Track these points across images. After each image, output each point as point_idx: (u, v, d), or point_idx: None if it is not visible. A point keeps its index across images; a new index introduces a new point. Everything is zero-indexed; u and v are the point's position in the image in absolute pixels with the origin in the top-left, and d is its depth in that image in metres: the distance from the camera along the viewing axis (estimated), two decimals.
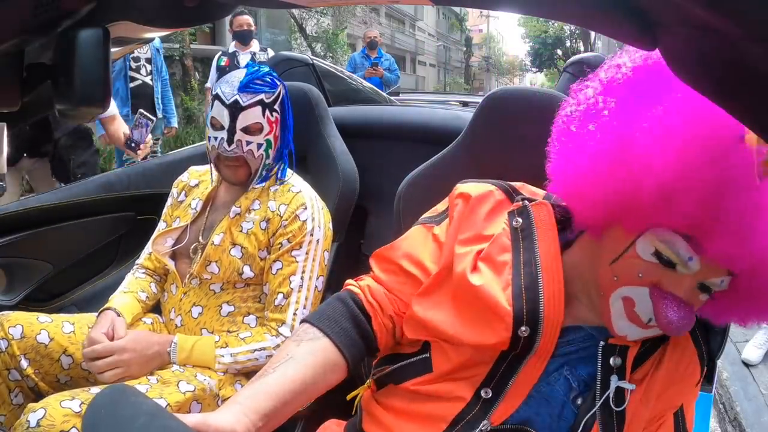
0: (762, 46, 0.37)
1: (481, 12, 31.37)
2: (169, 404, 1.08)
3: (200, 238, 1.36)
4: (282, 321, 1.25)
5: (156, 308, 1.44)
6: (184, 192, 1.46)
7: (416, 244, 0.88)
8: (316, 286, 1.30)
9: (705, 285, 0.71)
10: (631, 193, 0.68)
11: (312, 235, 1.29)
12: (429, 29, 32.69)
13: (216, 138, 1.27)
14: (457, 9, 30.62)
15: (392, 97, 2.64)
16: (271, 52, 4.67)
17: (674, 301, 0.69)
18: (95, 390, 1.06)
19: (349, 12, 14.65)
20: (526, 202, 0.85)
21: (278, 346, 1.23)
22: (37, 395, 1.25)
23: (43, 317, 1.25)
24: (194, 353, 1.22)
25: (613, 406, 0.76)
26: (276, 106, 1.30)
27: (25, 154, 2.91)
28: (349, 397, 0.96)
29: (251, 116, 1.25)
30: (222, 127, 1.26)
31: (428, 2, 0.60)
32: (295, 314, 1.25)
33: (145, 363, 1.19)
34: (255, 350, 1.23)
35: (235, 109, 1.25)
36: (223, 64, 4.61)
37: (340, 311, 0.85)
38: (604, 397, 0.76)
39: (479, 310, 0.78)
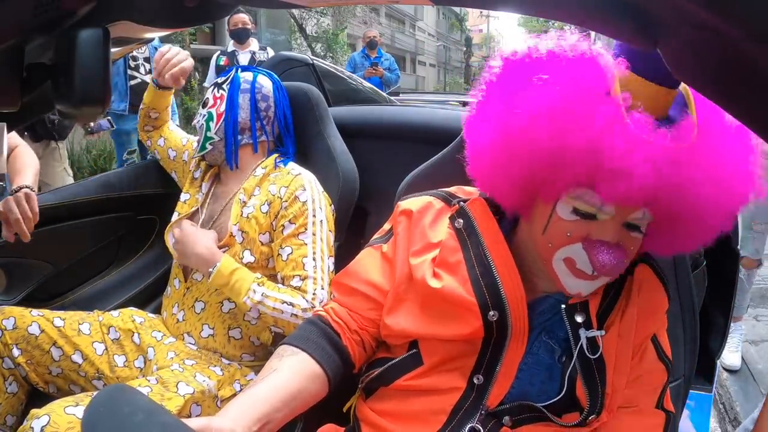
0: (762, 46, 0.37)
1: (481, 12, 31.37)
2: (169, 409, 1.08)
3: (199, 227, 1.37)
4: (304, 297, 1.23)
5: (154, 308, 1.44)
6: (201, 168, 1.48)
7: (368, 267, 0.96)
8: (329, 266, 1.29)
9: (631, 224, 0.78)
10: (528, 172, 0.77)
11: (315, 216, 1.29)
12: (429, 29, 32.70)
13: None
14: (457, 9, 30.63)
15: (392, 97, 2.64)
16: (270, 52, 4.66)
17: (604, 246, 0.77)
18: None
19: (349, 12, 14.66)
20: (462, 203, 0.92)
21: (306, 310, 1.19)
22: (30, 385, 1.28)
23: (36, 312, 1.28)
24: (233, 277, 1.22)
25: (588, 355, 0.82)
26: (224, 86, 1.41)
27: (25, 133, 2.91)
28: (345, 408, 0.97)
29: (208, 93, 1.46)
30: None
31: (428, 2, 0.60)
32: (314, 294, 1.23)
33: (190, 251, 1.27)
34: (284, 302, 1.20)
35: None
36: (222, 63, 4.60)
37: (313, 331, 0.93)
38: (578, 349, 0.83)
39: (447, 308, 0.85)
